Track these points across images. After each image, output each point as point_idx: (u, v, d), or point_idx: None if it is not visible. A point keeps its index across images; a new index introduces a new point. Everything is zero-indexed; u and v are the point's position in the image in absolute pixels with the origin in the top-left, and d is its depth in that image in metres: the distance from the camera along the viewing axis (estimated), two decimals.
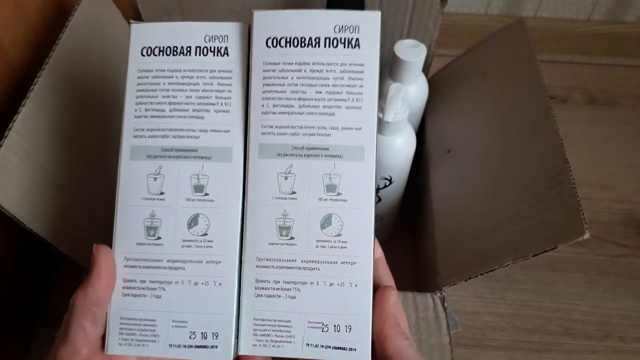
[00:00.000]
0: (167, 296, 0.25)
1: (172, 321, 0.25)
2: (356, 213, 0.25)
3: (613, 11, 0.75)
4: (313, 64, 0.26)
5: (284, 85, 0.26)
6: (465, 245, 0.38)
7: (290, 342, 0.25)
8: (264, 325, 0.25)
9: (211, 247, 0.25)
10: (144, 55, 0.27)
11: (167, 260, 0.26)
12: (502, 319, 0.50)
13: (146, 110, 0.26)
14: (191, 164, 0.26)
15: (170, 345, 0.25)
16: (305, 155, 0.25)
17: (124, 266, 0.26)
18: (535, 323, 0.50)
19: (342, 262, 0.25)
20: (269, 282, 0.25)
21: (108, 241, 0.27)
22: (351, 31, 0.26)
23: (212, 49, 0.27)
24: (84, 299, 0.25)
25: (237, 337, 0.25)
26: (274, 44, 0.26)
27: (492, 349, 0.48)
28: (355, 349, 0.25)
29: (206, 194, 0.26)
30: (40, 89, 0.33)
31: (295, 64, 0.26)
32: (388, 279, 0.27)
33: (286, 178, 0.26)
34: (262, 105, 0.26)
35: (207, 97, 0.26)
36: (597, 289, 0.53)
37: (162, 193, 0.26)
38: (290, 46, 0.26)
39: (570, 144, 0.34)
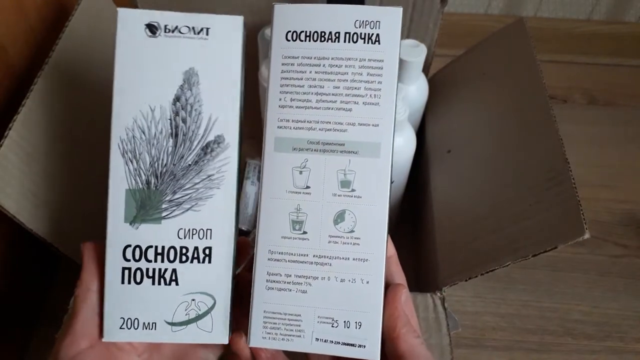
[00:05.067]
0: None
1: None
2: (370, 210, 0.25)
3: (613, 11, 0.75)
4: (332, 58, 0.26)
5: (302, 79, 0.26)
6: (465, 245, 0.38)
7: (300, 336, 0.25)
8: (274, 318, 0.25)
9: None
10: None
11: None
12: (502, 319, 0.50)
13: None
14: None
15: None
16: (320, 150, 0.26)
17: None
18: (535, 323, 0.50)
19: (354, 259, 0.25)
20: (281, 275, 0.25)
21: (105, 240, 0.27)
22: (372, 27, 0.26)
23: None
24: (79, 289, 0.26)
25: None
26: (294, 38, 0.26)
27: (492, 349, 0.48)
28: (364, 346, 0.25)
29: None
30: (40, 89, 0.33)
31: (314, 58, 0.26)
32: (400, 276, 0.27)
33: (301, 172, 0.26)
34: (280, 99, 0.26)
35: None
36: (597, 289, 0.53)
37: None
38: (309, 40, 0.26)
39: (570, 144, 0.34)
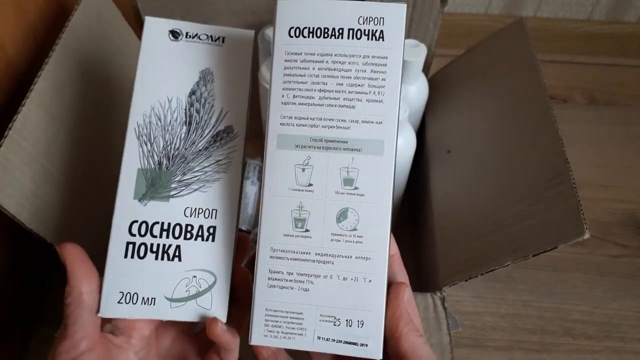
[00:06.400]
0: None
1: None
2: (373, 208, 0.25)
3: (613, 11, 0.75)
4: (335, 55, 0.26)
5: (304, 76, 0.26)
6: (465, 245, 0.38)
7: (302, 334, 0.25)
8: (275, 316, 0.25)
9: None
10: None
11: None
12: (502, 319, 0.50)
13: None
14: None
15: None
16: (323, 147, 0.25)
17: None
18: (535, 323, 0.50)
19: (356, 257, 0.25)
20: (283, 273, 0.25)
21: (105, 240, 0.27)
22: (375, 23, 0.25)
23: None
24: (70, 295, 0.25)
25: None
26: (297, 34, 0.26)
27: (492, 349, 0.48)
28: (366, 345, 0.25)
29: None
30: (41, 89, 0.33)
31: (318, 54, 0.26)
32: (402, 275, 0.27)
33: (303, 170, 0.26)
34: (282, 96, 0.26)
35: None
36: (597, 289, 0.53)
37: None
38: (313, 37, 0.26)
39: (570, 144, 0.34)
